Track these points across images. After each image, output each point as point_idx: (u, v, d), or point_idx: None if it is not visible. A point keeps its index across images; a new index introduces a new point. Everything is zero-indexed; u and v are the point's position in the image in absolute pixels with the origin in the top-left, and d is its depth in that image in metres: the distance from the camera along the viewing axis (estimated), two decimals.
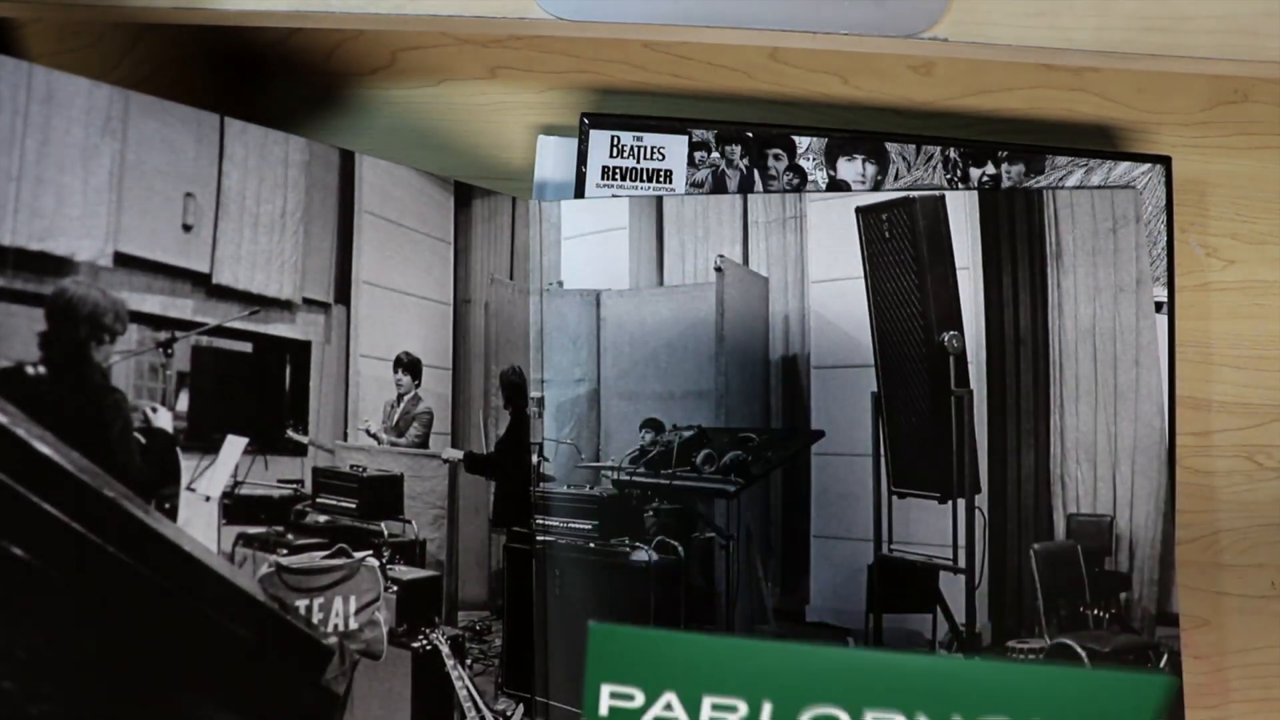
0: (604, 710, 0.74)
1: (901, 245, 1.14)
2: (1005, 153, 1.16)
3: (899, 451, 1.12)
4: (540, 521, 1.14)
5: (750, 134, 1.18)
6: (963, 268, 1.14)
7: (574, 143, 1.20)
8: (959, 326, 1.12)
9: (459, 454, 1.10)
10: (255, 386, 0.94)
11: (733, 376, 1.15)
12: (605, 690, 0.74)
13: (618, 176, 1.18)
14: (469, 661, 1.08)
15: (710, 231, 1.17)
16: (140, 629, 0.82)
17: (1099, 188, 1.14)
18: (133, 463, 0.83)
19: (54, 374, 0.78)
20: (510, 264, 1.15)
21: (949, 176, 1.16)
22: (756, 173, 1.18)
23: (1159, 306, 1.13)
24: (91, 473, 0.79)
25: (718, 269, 1.16)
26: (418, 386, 1.06)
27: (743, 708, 0.69)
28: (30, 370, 0.77)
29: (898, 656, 0.71)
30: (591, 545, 1.14)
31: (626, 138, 1.18)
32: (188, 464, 0.88)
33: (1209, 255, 1.24)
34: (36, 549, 0.75)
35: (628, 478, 1.16)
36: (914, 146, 1.17)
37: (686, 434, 1.15)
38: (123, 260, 0.84)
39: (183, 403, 0.88)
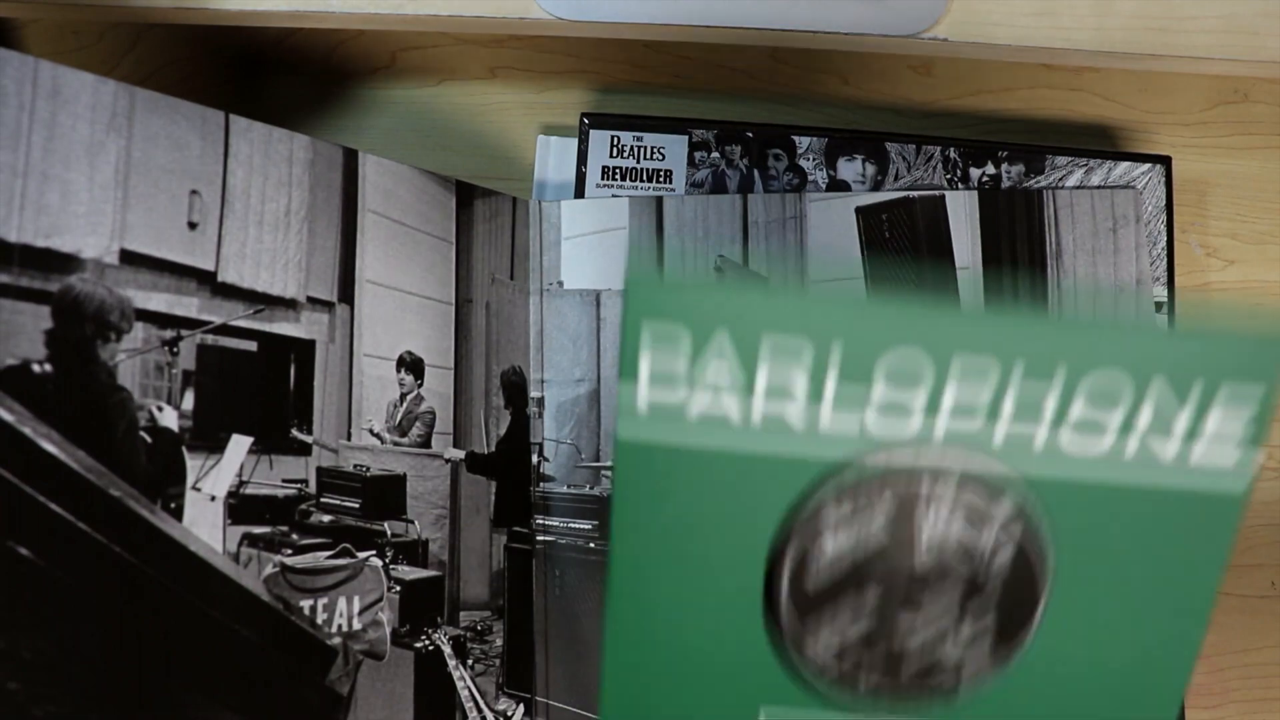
0: (643, 405, 0.59)
1: (901, 245, 1.13)
2: (1005, 153, 1.16)
3: None
4: (540, 521, 1.14)
5: (750, 134, 1.18)
6: (962, 267, 1.13)
7: (574, 143, 1.20)
8: None
9: (460, 454, 1.09)
10: (260, 386, 0.93)
11: None
12: (644, 368, 0.58)
13: (618, 176, 1.18)
14: (470, 662, 1.08)
15: (710, 231, 1.16)
16: (145, 629, 0.81)
17: (1099, 188, 1.13)
18: (138, 462, 0.82)
19: (60, 372, 0.77)
20: (511, 264, 1.14)
21: (949, 176, 1.15)
22: (756, 173, 1.17)
23: (1159, 306, 1.12)
24: (97, 472, 0.78)
25: (718, 269, 1.15)
26: (420, 386, 1.05)
27: (808, 351, 0.58)
28: (36, 368, 0.76)
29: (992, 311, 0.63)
30: (592, 545, 1.14)
31: (626, 138, 1.18)
32: (193, 463, 0.87)
33: (1209, 255, 1.23)
34: (42, 549, 0.74)
35: None
36: (914, 146, 1.16)
37: None
38: (128, 258, 0.83)
39: (188, 402, 0.87)
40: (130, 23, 1.23)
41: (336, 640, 0.96)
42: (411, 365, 1.05)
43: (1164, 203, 1.14)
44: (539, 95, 1.29)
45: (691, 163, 1.18)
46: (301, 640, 0.93)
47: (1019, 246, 1.13)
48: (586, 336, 1.15)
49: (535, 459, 1.16)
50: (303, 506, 0.96)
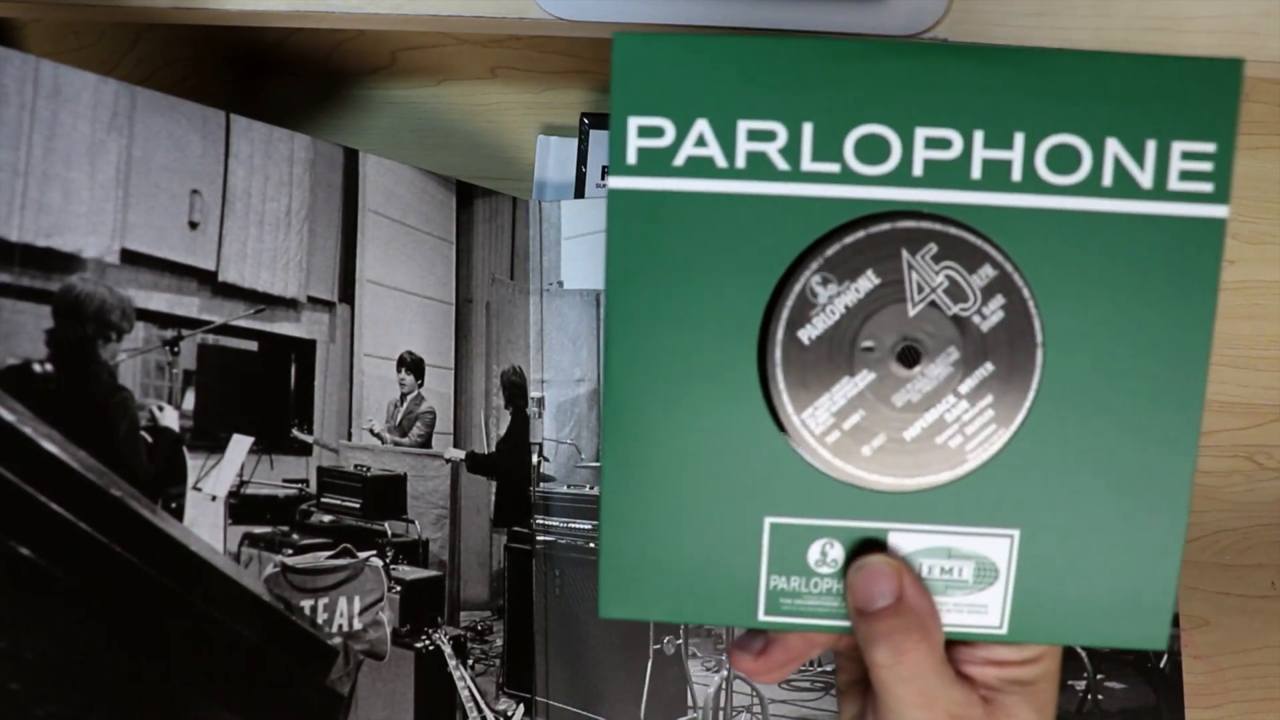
0: (632, 156, 0.64)
1: None
2: None
3: None
4: (540, 521, 1.14)
5: None
6: None
7: (574, 143, 1.20)
8: None
9: (461, 454, 1.08)
10: (261, 385, 0.92)
11: None
12: (632, 125, 0.64)
13: None
14: (470, 662, 1.07)
15: None
16: (146, 630, 0.81)
17: None
18: (139, 462, 0.82)
19: (61, 372, 0.77)
20: (511, 264, 1.14)
21: None
22: None
23: None
24: (98, 472, 0.78)
25: None
26: (421, 386, 1.04)
27: (782, 133, 0.62)
28: (37, 368, 0.76)
29: (958, 55, 0.61)
30: (591, 545, 1.13)
31: None
32: (194, 463, 0.86)
33: None
34: (43, 549, 0.74)
35: None
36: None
37: None
38: (129, 257, 0.82)
39: (189, 401, 0.86)
40: (130, 23, 1.22)
41: (337, 640, 0.95)
42: (412, 365, 1.04)
43: None
44: (539, 95, 1.28)
45: None
46: (302, 640, 0.93)
47: None
48: (587, 336, 1.15)
49: (535, 459, 1.15)
50: (303, 506, 0.95)
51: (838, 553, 0.65)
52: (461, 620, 1.08)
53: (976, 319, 0.64)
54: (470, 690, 1.06)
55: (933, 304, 0.64)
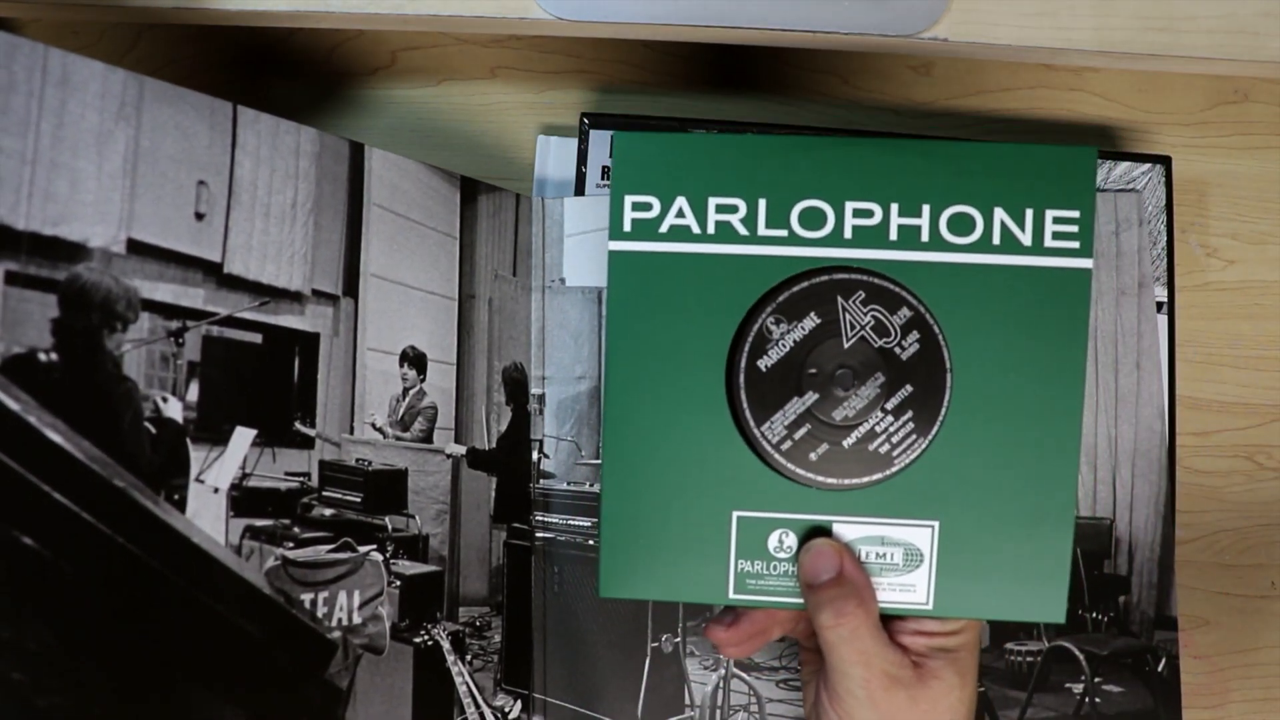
0: (628, 225, 0.85)
1: None
2: None
3: None
4: (540, 518, 1.14)
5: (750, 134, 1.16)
6: None
7: (574, 143, 1.19)
8: None
9: (462, 449, 1.08)
10: (264, 378, 0.92)
11: None
12: (628, 201, 0.85)
13: None
14: (469, 657, 1.07)
15: None
16: (148, 621, 0.80)
17: (1101, 190, 1.12)
18: (143, 453, 0.81)
19: (66, 361, 0.76)
20: (514, 260, 1.13)
21: None
22: None
23: (1159, 306, 1.12)
24: (102, 462, 0.77)
25: None
26: (423, 381, 1.04)
27: (742, 207, 0.83)
28: (42, 357, 0.75)
29: (878, 146, 0.83)
30: (590, 543, 1.13)
31: None
32: (197, 455, 0.85)
33: (1209, 255, 1.22)
34: (46, 539, 0.73)
35: None
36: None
37: None
38: (135, 247, 0.82)
39: (193, 393, 0.85)
40: (130, 22, 1.23)
41: (336, 634, 0.95)
42: (414, 360, 1.04)
43: (1164, 203, 1.14)
44: (539, 95, 1.28)
45: None
46: (302, 634, 0.92)
47: None
48: (588, 334, 1.14)
49: (535, 456, 1.15)
50: (305, 500, 0.95)
51: (792, 540, 0.84)
52: (460, 616, 1.07)
53: (898, 350, 0.83)
54: (469, 686, 1.06)
55: (863, 339, 0.83)
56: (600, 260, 1.11)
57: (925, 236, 0.82)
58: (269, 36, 1.27)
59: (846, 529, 0.83)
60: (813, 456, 0.83)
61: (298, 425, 0.95)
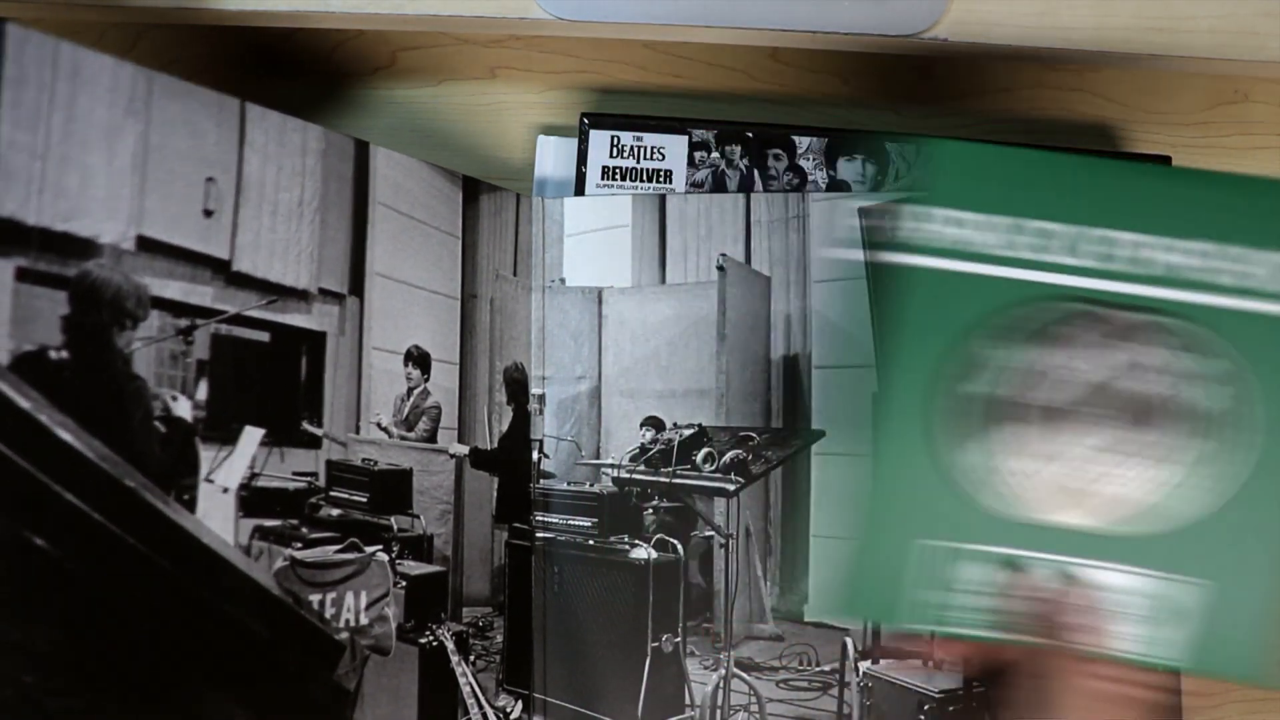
0: (923, 241, 0.77)
1: None
2: None
3: None
4: (540, 518, 1.12)
5: (750, 134, 1.16)
6: None
7: (574, 143, 1.18)
8: None
9: (465, 449, 1.06)
10: (272, 377, 0.90)
11: (734, 375, 1.13)
12: (937, 214, 0.77)
13: (618, 176, 1.16)
14: (472, 658, 1.05)
15: (713, 230, 1.15)
16: (157, 622, 0.78)
17: None
18: (152, 452, 0.79)
19: (76, 359, 0.74)
20: (514, 260, 1.12)
21: None
22: (756, 173, 1.15)
23: None
24: (112, 461, 0.75)
25: (720, 268, 1.14)
26: (427, 380, 1.03)
27: (1052, 230, 0.76)
28: (53, 355, 0.73)
29: (1191, 178, 0.78)
30: (591, 543, 1.13)
31: (626, 138, 1.16)
32: (206, 455, 0.84)
33: None
34: (56, 539, 0.71)
35: (628, 475, 1.14)
36: (914, 146, 1.14)
37: (687, 432, 1.14)
38: (145, 244, 0.80)
39: (202, 392, 0.83)
40: (131, 23, 1.22)
41: (344, 635, 0.93)
42: (419, 359, 1.02)
43: None
44: (539, 95, 1.27)
45: (691, 163, 1.16)
46: (310, 635, 0.91)
47: None
48: (588, 333, 1.14)
49: (535, 455, 1.13)
50: (312, 500, 0.93)
51: (1001, 575, 0.77)
52: (463, 616, 1.06)
53: (1205, 401, 0.73)
54: (472, 686, 1.05)
55: (1171, 384, 0.74)
56: (600, 260, 1.12)
57: (1248, 282, 0.74)
58: (269, 36, 1.26)
59: (1105, 574, 0.76)
60: (1074, 500, 0.76)
61: (305, 425, 0.93)
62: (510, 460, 1.12)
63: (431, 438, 1.04)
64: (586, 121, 1.17)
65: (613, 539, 1.13)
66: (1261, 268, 0.73)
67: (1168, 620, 0.75)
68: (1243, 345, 0.73)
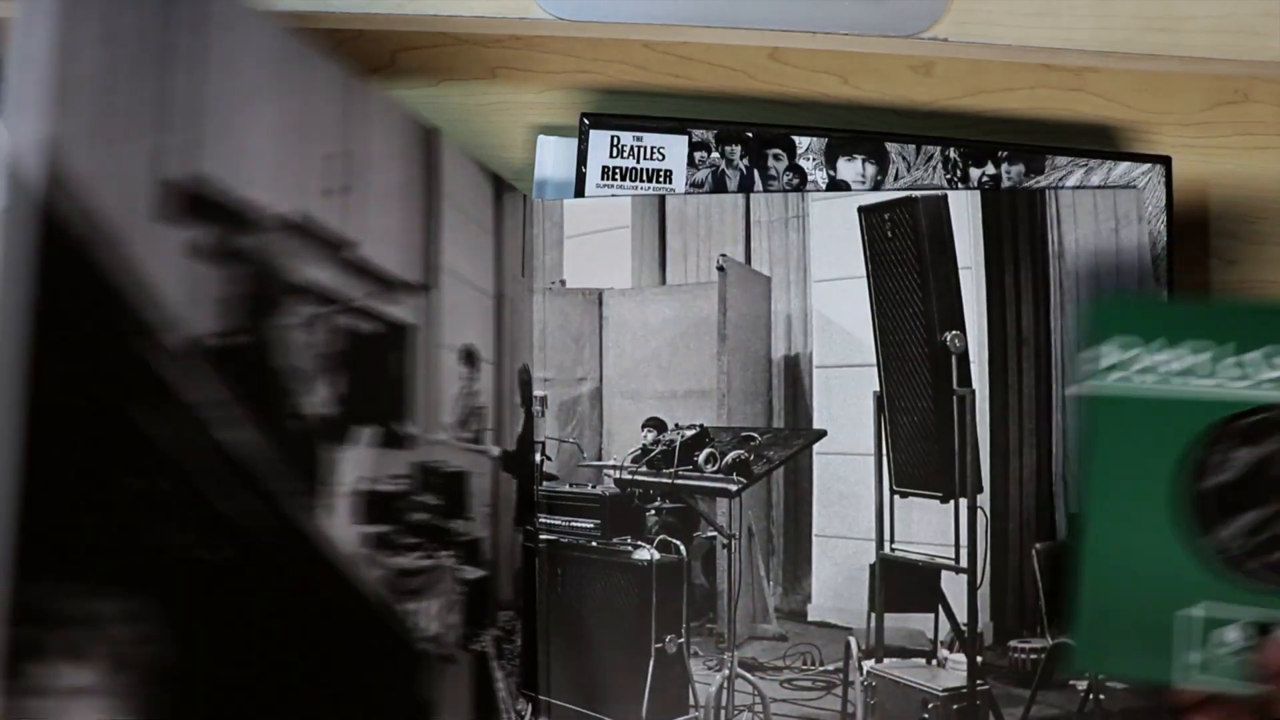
0: (1102, 372, 0.89)
1: (904, 245, 1.11)
2: (1005, 153, 1.14)
3: (901, 451, 1.10)
4: (544, 520, 1.11)
5: (750, 134, 1.15)
6: (965, 267, 1.11)
7: (574, 143, 1.16)
8: (961, 326, 1.09)
9: (498, 450, 1.04)
10: (379, 372, 0.85)
11: (735, 375, 1.12)
12: (1105, 350, 0.90)
13: (618, 177, 1.14)
14: (504, 662, 1.04)
15: (712, 231, 1.14)
16: (282, 630, 0.73)
17: (1100, 188, 1.11)
18: (290, 448, 0.74)
19: (235, 343, 0.68)
20: (523, 261, 1.09)
21: (949, 176, 1.13)
22: (756, 173, 1.14)
23: None
24: (258, 458, 0.69)
25: (720, 268, 1.13)
26: (475, 380, 0.99)
27: (1206, 353, 0.87)
28: (222, 340, 0.67)
29: None
30: (594, 544, 1.11)
31: (626, 138, 1.14)
32: (329, 454, 0.79)
33: (1209, 255, 1.22)
34: (197, 532, 0.66)
35: (630, 477, 1.13)
36: (914, 146, 1.14)
37: (689, 433, 1.13)
38: (285, 224, 0.75)
39: (328, 386, 0.79)
40: None
41: (427, 645, 0.90)
42: (471, 358, 0.99)
43: (1164, 203, 1.12)
44: (539, 95, 1.24)
45: (691, 163, 1.14)
46: (401, 645, 0.87)
47: (1021, 247, 1.11)
48: (589, 335, 1.12)
49: (538, 457, 1.11)
50: (402, 503, 0.89)
51: (1245, 635, 0.85)
52: (498, 620, 1.04)
53: None
54: (505, 692, 1.02)
55: None
56: (600, 262, 1.11)
57: None
58: None
59: None
60: (1273, 559, 0.85)
61: (402, 424, 0.89)
62: (525, 462, 1.10)
63: (478, 439, 1.01)
64: (586, 121, 1.15)
65: (615, 540, 1.11)
66: None
67: None
68: None
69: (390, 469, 0.86)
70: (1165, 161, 1.14)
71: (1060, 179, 1.13)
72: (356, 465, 0.81)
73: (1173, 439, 0.87)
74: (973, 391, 1.10)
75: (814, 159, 1.14)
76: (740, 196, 1.13)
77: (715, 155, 1.14)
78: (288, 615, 0.73)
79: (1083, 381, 0.89)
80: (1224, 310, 0.90)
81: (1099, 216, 1.11)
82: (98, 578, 0.57)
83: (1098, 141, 1.23)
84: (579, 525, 1.11)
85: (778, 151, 1.14)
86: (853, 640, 1.08)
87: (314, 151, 0.78)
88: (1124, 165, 1.13)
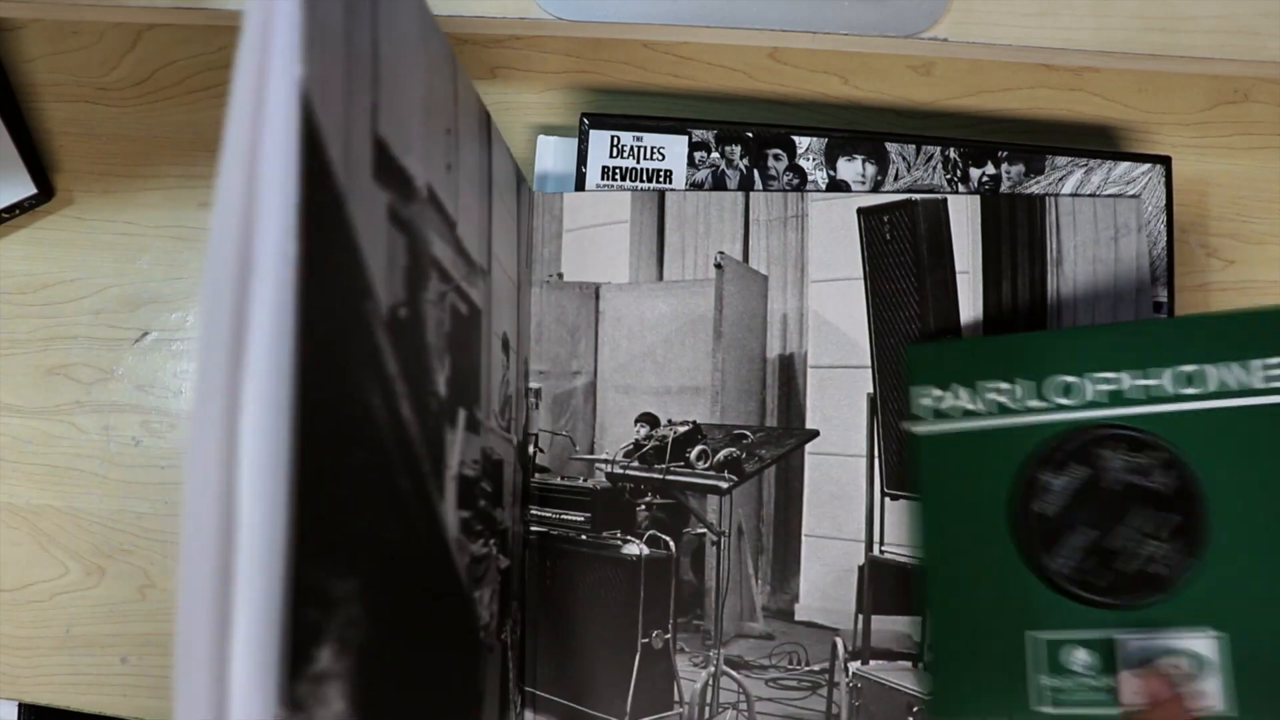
0: (923, 412, 0.97)
1: (902, 247, 1.10)
2: (1005, 153, 1.12)
3: (893, 453, 1.08)
4: (534, 512, 1.09)
5: (750, 134, 1.13)
6: (962, 271, 1.10)
7: (574, 143, 1.15)
8: (957, 330, 1.08)
9: (516, 439, 1.03)
10: (469, 355, 0.82)
11: (729, 373, 1.10)
12: (922, 394, 0.98)
13: (617, 176, 1.13)
14: (514, 653, 1.03)
15: (711, 228, 1.12)
16: (409, 618, 0.68)
17: (1101, 196, 1.10)
18: (428, 428, 0.69)
19: (402, 318, 0.64)
20: (528, 253, 1.09)
21: (949, 177, 1.11)
22: (756, 173, 1.13)
23: (1159, 307, 1.10)
24: (415, 437, 0.65)
25: (717, 266, 1.11)
26: (508, 368, 0.97)
27: (1007, 388, 0.94)
28: (403, 312, 0.63)
29: (1113, 331, 0.96)
30: (584, 537, 1.09)
31: (626, 138, 1.13)
32: (447, 435, 0.75)
33: (1209, 255, 1.22)
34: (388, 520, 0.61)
35: (621, 471, 1.11)
36: (914, 147, 1.12)
37: (681, 429, 1.11)
38: (431, 195, 0.71)
39: (444, 366, 0.75)
40: (130, 23, 1.20)
41: (482, 635, 0.87)
42: (506, 345, 0.97)
43: (1164, 203, 1.12)
44: (539, 95, 1.22)
45: (691, 163, 1.12)
46: (473, 633, 0.84)
47: (1019, 252, 1.10)
48: (585, 329, 1.10)
49: (531, 449, 1.10)
50: (477, 490, 0.86)
51: (1092, 657, 0.89)
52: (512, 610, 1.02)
53: (1160, 487, 0.89)
54: (514, 683, 1.02)
55: (1129, 482, 0.90)
56: (598, 256, 1.09)
57: (1164, 391, 0.90)
58: None
59: (1140, 644, 0.87)
60: (1102, 583, 0.89)
61: (479, 409, 0.86)
62: (526, 453, 1.09)
63: (510, 427, 0.98)
64: (586, 121, 1.13)
65: (605, 534, 1.09)
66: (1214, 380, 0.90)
67: (1202, 672, 0.87)
68: (1176, 437, 0.90)
69: (471, 455, 0.83)
70: (1165, 161, 1.13)
71: (1060, 179, 1.11)
72: (456, 449, 0.77)
73: (999, 470, 0.93)
74: None
75: (814, 159, 1.12)
76: (740, 195, 1.12)
77: (715, 155, 1.13)
78: (417, 602, 0.68)
79: (908, 425, 0.97)
80: (1035, 341, 0.96)
81: (1099, 224, 1.10)
82: (347, 557, 0.53)
83: (1098, 141, 1.22)
84: (569, 518, 1.09)
85: (778, 151, 1.12)
86: (839, 641, 1.07)
87: (439, 125, 0.74)
88: (1124, 165, 1.12)
